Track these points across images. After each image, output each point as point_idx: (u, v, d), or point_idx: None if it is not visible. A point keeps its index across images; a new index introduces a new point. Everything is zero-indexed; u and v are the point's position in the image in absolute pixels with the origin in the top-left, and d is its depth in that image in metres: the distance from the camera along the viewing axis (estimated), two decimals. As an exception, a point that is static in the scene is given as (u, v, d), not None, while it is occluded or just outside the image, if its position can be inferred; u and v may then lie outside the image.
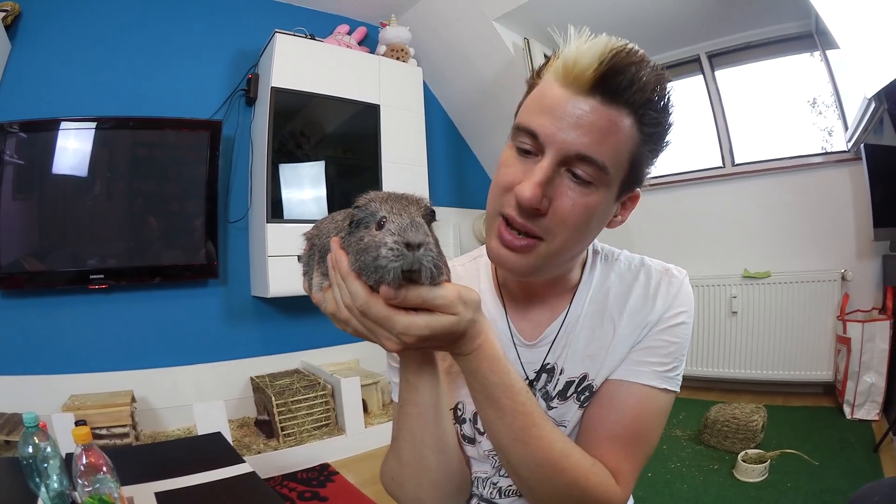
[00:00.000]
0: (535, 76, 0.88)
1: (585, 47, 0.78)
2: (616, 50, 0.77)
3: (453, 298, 0.70)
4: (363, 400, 3.77)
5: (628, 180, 0.86)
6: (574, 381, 0.98)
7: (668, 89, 0.82)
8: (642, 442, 0.92)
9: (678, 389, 0.95)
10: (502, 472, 1.01)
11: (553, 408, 0.99)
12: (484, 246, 1.09)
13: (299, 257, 0.90)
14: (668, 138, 0.87)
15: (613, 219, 0.94)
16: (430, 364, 0.84)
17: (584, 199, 0.82)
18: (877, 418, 3.37)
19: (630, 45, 0.80)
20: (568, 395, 0.98)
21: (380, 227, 0.67)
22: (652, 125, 0.82)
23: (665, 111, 0.83)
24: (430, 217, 0.73)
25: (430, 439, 0.89)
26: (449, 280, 0.73)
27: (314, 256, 0.81)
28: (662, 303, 0.95)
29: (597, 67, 0.76)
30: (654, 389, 0.92)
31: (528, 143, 0.84)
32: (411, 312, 0.69)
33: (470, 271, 1.12)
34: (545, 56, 4.16)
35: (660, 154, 0.88)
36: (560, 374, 0.99)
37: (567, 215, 0.82)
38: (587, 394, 0.97)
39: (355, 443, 3.63)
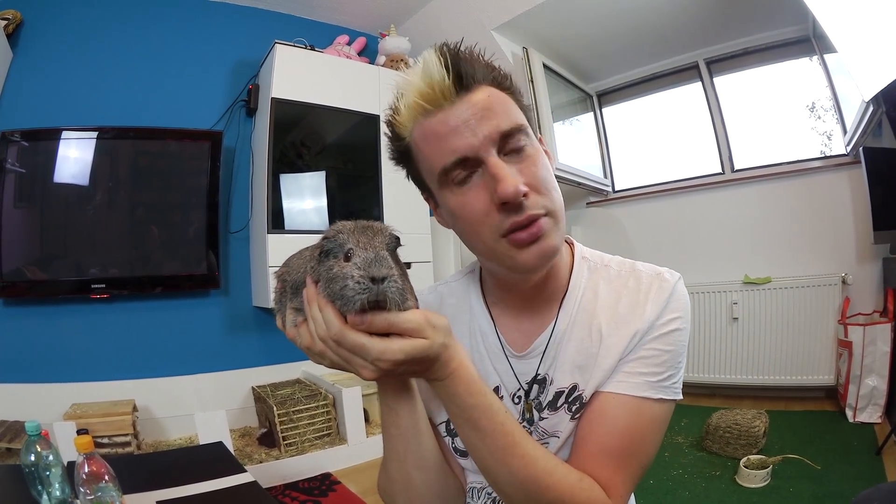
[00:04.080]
0: (404, 149, 0.96)
1: (424, 72, 0.85)
2: (441, 55, 0.84)
3: (422, 323, 0.72)
4: (365, 409, 3.77)
5: (531, 128, 0.92)
6: (563, 391, 0.97)
7: (480, 53, 0.91)
8: (637, 454, 0.90)
9: (678, 397, 0.93)
10: None
11: (544, 418, 0.98)
12: (469, 266, 1.14)
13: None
14: (513, 82, 0.94)
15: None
16: (407, 388, 0.86)
17: (531, 160, 0.87)
18: (879, 421, 3.36)
19: (441, 45, 0.87)
20: (558, 405, 0.97)
21: (347, 258, 0.70)
22: (503, 81, 0.90)
23: (500, 70, 0.91)
24: (394, 244, 0.77)
25: (413, 458, 0.92)
26: (416, 307, 0.76)
27: (286, 294, 0.83)
28: (653, 309, 0.93)
29: (447, 74, 0.83)
30: (648, 400, 0.90)
31: (460, 172, 0.87)
32: (385, 339, 0.70)
33: (462, 287, 1.13)
34: (543, 65, 4.16)
35: (523, 97, 0.95)
36: (550, 384, 0.98)
37: (538, 180, 0.87)
38: (578, 405, 0.95)
39: (357, 452, 3.63)
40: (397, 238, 0.77)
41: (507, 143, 0.86)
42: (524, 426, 0.99)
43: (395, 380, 0.83)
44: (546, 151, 0.96)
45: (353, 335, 0.69)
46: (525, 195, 0.84)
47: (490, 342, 1.04)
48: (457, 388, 0.79)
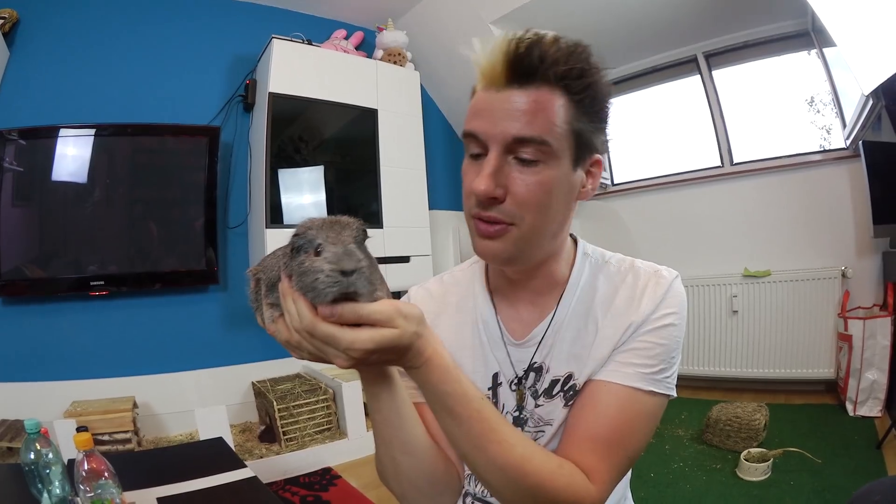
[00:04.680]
0: (473, 93, 0.95)
1: (490, 48, 0.86)
2: (516, 39, 0.84)
3: (391, 313, 0.73)
4: (365, 403, 3.75)
5: (579, 149, 0.90)
6: (559, 379, 0.99)
7: (585, 57, 0.87)
8: (623, 443, 0.91)
9: (671, 393, 0.95)
10: None
11: (539, 405, 1.01)
12: (476, 256, 1.12)
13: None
14: (605, 100, 0.91)
15: (582, 190, 0.97)
16: (385, 375, 0.87)
17: (537, 178, 0.87)
18: (879, 415, 3.37)
19: (533, 31, 0.86)
20: (553, 393, 0.99)
21: (317, 252, 0.72)
22: (578, 92, 0.86)
23: (587, 76, 0.87)
24: (362, 237, 0.78)
25: (397, 442, 0.93)
26: (389, 298, 0.77)
27: (261, 291, 0.85)
28: (648, 303, 0.95)
29: (503, 59, 0.84)
30: (639, 391, 0.91)
31: (476, 146, 0.90)
32: (355, 329, 0.71)
33: (466, 276, 1.16)
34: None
35: (603, 118, 0.93)
36: (546, 372, 1.01)
37: (525, 197, 0.87)
38: (572, 393, 0.98)
39: (357, 446, 3.63)
40: (365, 231, 0.78)
41: (519, 149, 0.86)
42: (517, 413, 1.02)
43: (372, 367, 0.84)
44: (590, 173, 0.96)
45: (324, 326, 0.70)
46: (497, 199, 0.88)
47: (491, 330, 1.06)
48: (430, 377, 0.80)
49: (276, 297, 0.78)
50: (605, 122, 0.93)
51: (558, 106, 0.85)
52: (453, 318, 1.11)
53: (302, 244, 0.73)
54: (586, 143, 0.91)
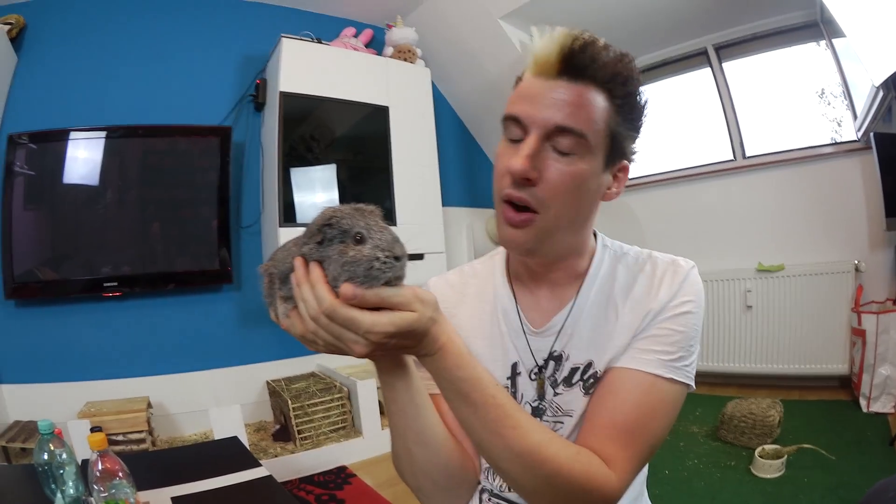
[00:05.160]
0: (519, 80, 0.98)
1: (549, 38, 0.89)
2: (573, 36, 0.88)
3: (410, 297, 0.74)
4: (380, 402, 3.76)
5: (612, 151, 0.93)
6: (579, 367, 1.00)
7: (631, 66, 0.92)
8: (643, 431, 0.90)
9: (689, 383, 0.94)
10: None
11: (559, 394, 1.01)
12: (500, 247, 1.15)
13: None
14: (642, 110, 0.96)
15: (608, 191, 0.99)
16: (402, 364, 0.87)
17: (570, 168, 0.89)
18: (892, 411, 3.33)
19: (588, 33, 0.90)
20: (573, 381, 1.00)
21: (358, 241, 0.73)
22: (620, 97, 0.91)
23: (630, 84, 0.91)
24: None
25: (412, 433, 0.93)
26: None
27: (275, 285, 0.84)
28: (667, 291, 0.96)
29: (559, 52, 0.87)
30: (659, 378, 0.92)
31: (516, 130, 0.92)
32: (375, 312, 0.71)
33: (487, 267, 1.17)
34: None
35: (638, 126, 0.97)
36: (566, 360, 1.01)
37: (556, 184, 0.90)
38: (592, 381, 0.98)
39: (372, 445, 3.64)
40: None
41: (557, 138, 0.89)
42: (536, 403, 1.03)
43: (388, 356, 0.84)
44: (616, 177, 0.99)
45: (345, 309, 0.70)
46: (530, 181, 0.89)
47: (511, 319, 1.07)
48: (446, 363, 0.81)
49: (289, 289, 0.77)
50: (638, 132, 0.97)
51: (600, 106, 0.89)
52: (473, 307, 1.12)
53: (336, 235, 0.74)
54: (619, 147, 0.94)
